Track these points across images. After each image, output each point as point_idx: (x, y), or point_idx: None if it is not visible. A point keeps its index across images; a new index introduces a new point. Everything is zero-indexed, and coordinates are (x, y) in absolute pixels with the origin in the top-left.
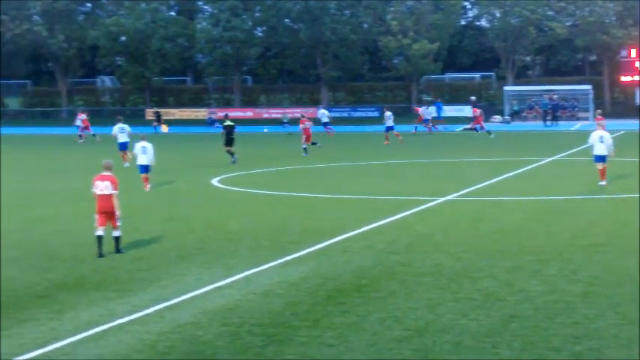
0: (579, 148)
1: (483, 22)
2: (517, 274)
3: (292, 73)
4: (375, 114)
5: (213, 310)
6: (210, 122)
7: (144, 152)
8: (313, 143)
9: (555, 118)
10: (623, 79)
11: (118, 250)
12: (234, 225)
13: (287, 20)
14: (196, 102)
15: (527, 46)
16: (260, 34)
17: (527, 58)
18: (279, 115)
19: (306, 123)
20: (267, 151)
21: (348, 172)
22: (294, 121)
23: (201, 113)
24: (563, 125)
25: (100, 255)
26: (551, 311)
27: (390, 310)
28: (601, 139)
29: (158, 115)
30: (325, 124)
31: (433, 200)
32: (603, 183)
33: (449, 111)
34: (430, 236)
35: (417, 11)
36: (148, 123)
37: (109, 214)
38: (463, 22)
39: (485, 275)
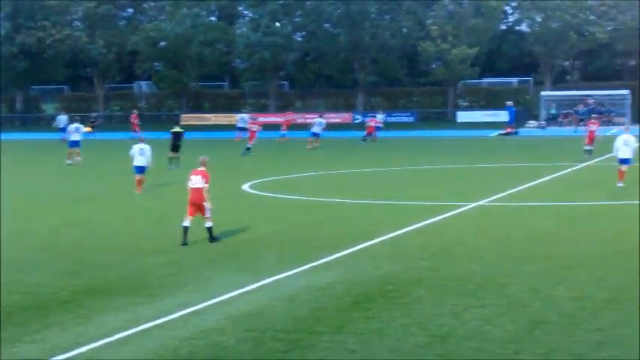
0: (612, 154)
1: (523, 27)
2: (545, 280)
3: (330, 78)
4: (411, 119)
5: (238, 316)
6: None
7: (141, 154)
8: (248, 148)
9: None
10: None
11: (212, 239)
12: (263, 230)
13: (327, 25)
14: (232, 107)
15: (567, 51)
16: (299, 38)
17: (566, 63)
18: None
19: (254, 126)
20: (297, 157)
21: (380, 177)
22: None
23: (234, 118)
24: (600, 130)
25: (184, 244)
26: (576, 317)
27: (414, 316)
28: (626, 142)
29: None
30: (240, 129)
31: (465, 205)
32: (620, 184)
33: (484, 116)
34: (461, 242)
35: (458, 15)
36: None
37: (198, 206)
38: (503, 27)
39: (513, 281)
